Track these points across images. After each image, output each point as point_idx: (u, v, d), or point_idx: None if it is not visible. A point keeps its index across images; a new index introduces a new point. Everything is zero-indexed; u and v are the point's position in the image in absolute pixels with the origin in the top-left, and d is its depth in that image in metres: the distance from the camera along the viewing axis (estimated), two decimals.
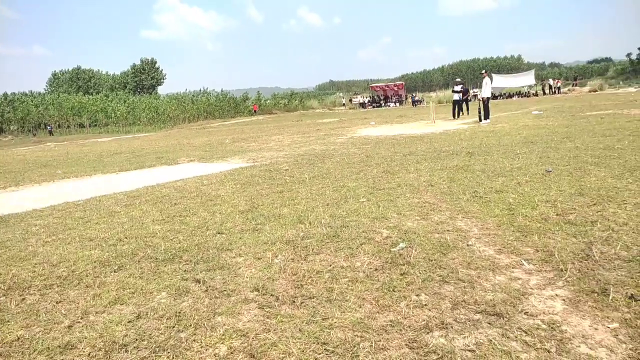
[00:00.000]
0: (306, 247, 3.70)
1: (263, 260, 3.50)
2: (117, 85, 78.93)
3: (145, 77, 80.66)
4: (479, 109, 15.96)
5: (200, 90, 68.43)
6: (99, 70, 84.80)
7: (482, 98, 16.09)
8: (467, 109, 21.41)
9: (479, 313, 2.46)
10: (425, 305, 2.59)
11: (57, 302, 2.96)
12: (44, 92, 71.58)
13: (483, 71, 17.91)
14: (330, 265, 3.28)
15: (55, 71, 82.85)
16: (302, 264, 3.36)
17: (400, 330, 2.34)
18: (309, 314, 2.57)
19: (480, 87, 18.28)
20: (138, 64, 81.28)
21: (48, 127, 46.73)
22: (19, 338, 2.51)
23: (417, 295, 2.73)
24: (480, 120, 15.73)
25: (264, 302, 2.76)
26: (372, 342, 2.24)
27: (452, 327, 2.34)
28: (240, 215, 4.93)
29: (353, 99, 60.13)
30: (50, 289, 3.20)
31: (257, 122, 38.13)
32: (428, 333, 2.29)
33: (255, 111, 57.94)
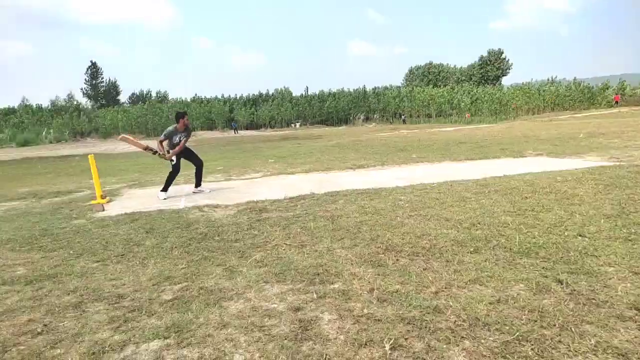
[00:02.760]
0: None
1: None
2: (463, 78, 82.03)
3: (490, 69, 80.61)
4: None
5: (547, 79, 63.38)
6: (447, 64, 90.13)
7: None
8: None
9: None
10: None
11: (423, 269, 3.38)
12: (400, 85, 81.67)
13: None
14: None
15: (411, 67, 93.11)
16: None
17: None
18: None
19: None
20: (485, 55, 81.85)
21: (402, 117, 53.36)
22: (397, 291, 3.01)
23: None
24: None
25: None
26: None
27: None
28: (605, 219, 4.34)
29: None
30: (416, 256, 3.68)
31: (618, 115, 32.36)
32: None
33: (617, 102, 49.29)
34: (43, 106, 63.07)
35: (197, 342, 2.50)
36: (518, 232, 4.13)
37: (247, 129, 57.18)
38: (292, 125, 58.26)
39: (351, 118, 60.36)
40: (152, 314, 2.90)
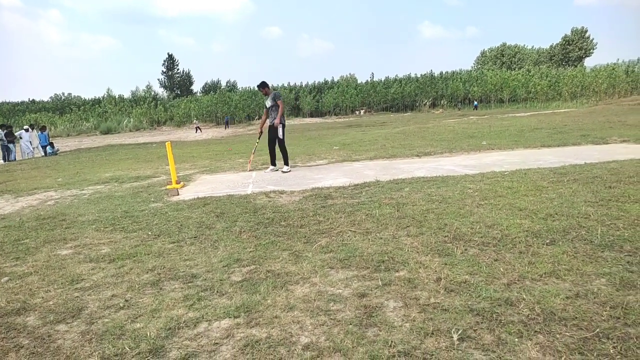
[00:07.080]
0: None
1: None
2: (541, 60, 77.15)
3: (572, 49, 75.08)
4: None
5: (638, 60, 57.93)
6: (524, 45, 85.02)
7: None
8: None
9: None
10: None
11: (494, 260, 3.24)
12: (471, 69, 78.27)
13: None
14: None
15: (483, 49, 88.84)
16: None
17: None
18: None
19: None
20: (568, 35, 76.27)
21: (474, 103, 51.36)
22: (465, 281, 2.92)
23: None
24: None
25: None
26: None
27: None
28: None
29: None
30: (487, 246, 3.54)
31: None
32: None
33: None
34: (124, 97, 67.77)
35: (265, 322, 2.58)
36: (600, 223, 3.84)
37: (311, 116, 57.72)
38: (357, 112, 57.98)
39: (417, 104, 58.98)
40: (223, 294, 3.03)
